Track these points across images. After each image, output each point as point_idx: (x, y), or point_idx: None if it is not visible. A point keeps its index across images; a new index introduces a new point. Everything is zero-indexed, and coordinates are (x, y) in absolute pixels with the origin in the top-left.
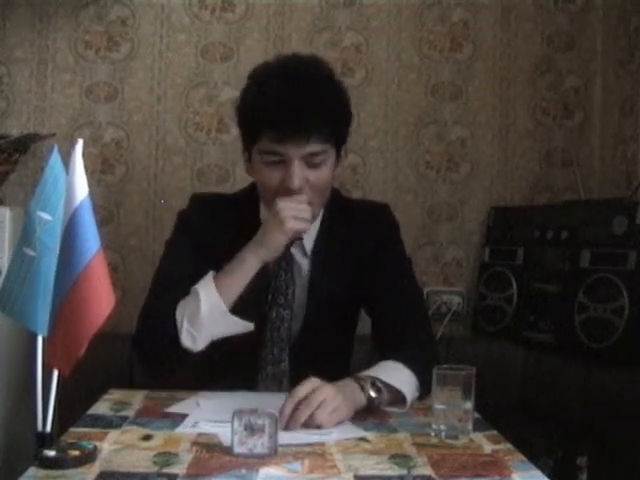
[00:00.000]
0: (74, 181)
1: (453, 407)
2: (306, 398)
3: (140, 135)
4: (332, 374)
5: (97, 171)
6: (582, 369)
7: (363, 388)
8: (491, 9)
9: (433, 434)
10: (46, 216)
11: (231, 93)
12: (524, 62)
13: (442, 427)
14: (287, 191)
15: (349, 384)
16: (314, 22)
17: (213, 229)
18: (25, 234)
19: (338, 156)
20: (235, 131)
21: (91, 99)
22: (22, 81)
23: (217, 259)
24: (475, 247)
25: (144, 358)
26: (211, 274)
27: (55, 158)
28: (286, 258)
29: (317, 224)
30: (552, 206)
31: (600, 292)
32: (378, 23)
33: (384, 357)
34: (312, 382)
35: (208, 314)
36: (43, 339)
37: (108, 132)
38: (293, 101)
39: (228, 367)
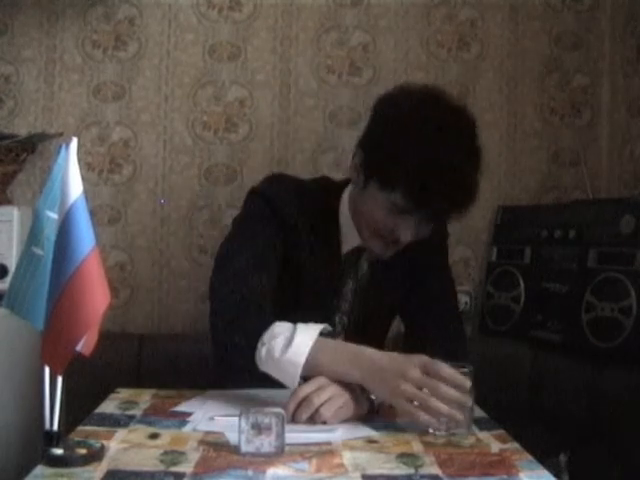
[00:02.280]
0: (69, 179)
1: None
2: (311, 395)
3: (148, 134)
4: None
5: (105, 170)
6: (590, 368)
7: (364, 390)
8: (499, 8)
9: (431, 431)
10: (54, 215)
11: (239, 92)
12: (532, 61)
13: (442, 423)
14: (393, 239)
15: (352, 386)
16: (321, 21)
17: (292, 213)
18: (33, 233)
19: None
20: (242, 131)
21: (99, 98)
22: (30, 81)
23: (291, 245)
24: (482, 246)
25: (216, 344)
26: (318, 330)
27: (63, 157)
28: (356, 266)
29: None
30: (560, 205)
31: (608, 291)
32: (385, 22)
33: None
34: (318, 380)
35: (283, 366)
36: None
37: (116, 131)
38: (445, 173)
39: None
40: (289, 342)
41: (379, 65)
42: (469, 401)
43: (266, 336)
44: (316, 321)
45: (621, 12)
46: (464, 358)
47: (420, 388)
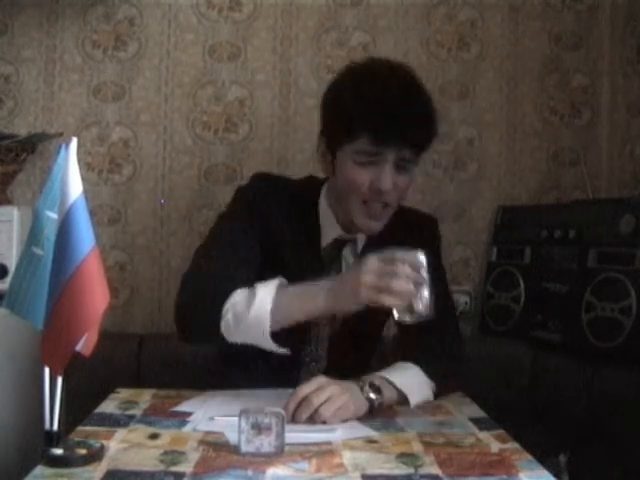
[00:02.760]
0: (68, 179)
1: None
2: (311, 395)
3: (148, 134)
4: (360, 371)
5: (105, 170)
6: (590, 368)
7: (362, 389)
8: (498, 8)
9: (397, 316)
10: (54, 215)
11: (239, 92)
12: (531, 61)
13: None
14: (376, 192)
15: (351, 385)
16: (321, 21)
17: (272, 209)
18: (33, 233)
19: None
20: (242, 131)
21: (99, 98)
22: (30, 81)
23: (270, 240)
24: (482, 246)
25: (180, 319)
26: (277, 282)
27: (63, 157)
28: (338, 260)
29: None
30: (560, 205)
31: (608, 291)
32: (385, 22)
33: (404, 359)
34: (318, 380)
35: (252, 322)
36: None
37: (116, 131)
38: (396, 104)
39: (268, 360)
40: (251, 299)
41: None
42: (426, 279)
43: (228, 303)
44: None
45: (621, 12)
46: (461, 359)
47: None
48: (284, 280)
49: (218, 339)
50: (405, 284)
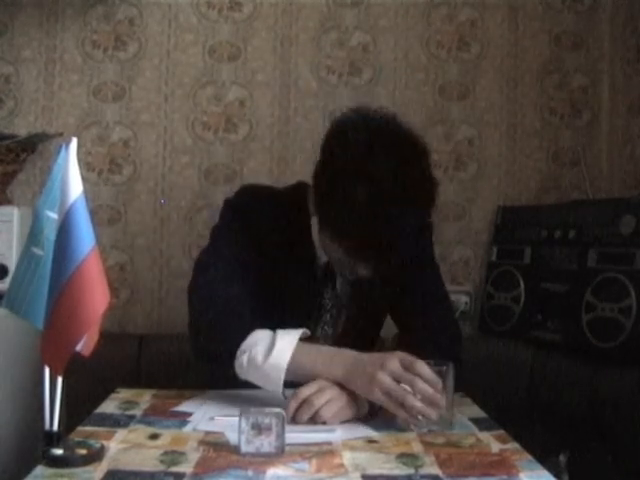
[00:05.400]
0: (68, 179)
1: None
2: (312, 397)
3: (147, 134)
4: None
5: (104, 170)
6: (590, 368)
7: None
8: (498, 8)
9: (412, 427)
10: (54, 215)
11: (238, 92)
12: (532, 61)
13: (421, 419)
14: (352, 273)
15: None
16: (321, 21)
17: (263, 221)
18: (33, 233)
19: None
20: (242, 131)
21: (99, 98)
22: (30, 81)
23: (264, 252)
24: (482, 246)
25: (195, 344)
26: (297, 335)
27: (63, 157)
28: (333, 275)
29: None
30: (560, 205)
31: (608, 291)
32: (385, 23)
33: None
34: (318, 382)
35: (266, 372)
36: None
37: (115, 131)
38: (386, 228)
39: None
40: (270, 348)
41: (379, 65)
42: (442, 400)
43: (246, 344)
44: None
45: (621, 12)
46: (459, 354)
47: (398, 382)
48: (307, 331)
49: (230, 368)
50: (417, 403)
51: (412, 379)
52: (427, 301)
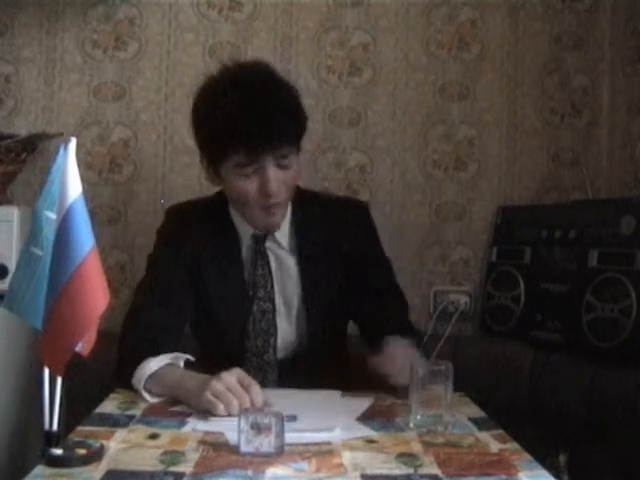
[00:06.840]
0: (67, 179)
1: (432, 400)
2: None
3: (148, 134)
4: (328, 369)
5: (105, 170)
6: (590, 369)
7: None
8: (499, 8)
9: (412, 425)
10: (52, 215)
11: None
12: (532, 61)
13: (419, 419)
14: (265, 195)
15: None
16: (321, 21)
17: (192, 237)
18: (33, 233)
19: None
20: None
21: (99, 98)
22: (30, 80)
23: (199, 265)
24: (483, 247)
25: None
26: (172, 357)
27: (62, 157)
28: (260, 253)
29: (287, 219)
30: (560, 206)
31: (608, 292)
32: (386, 23)
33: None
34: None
35: (137, 378)
36: None
37: (116, 131)
38: (259, 112)
39: (216, 357)
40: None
41: (379, 65)
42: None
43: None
44: (234, 317)
45: (621, 12)
46: (409, 326)
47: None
48: (185, 356)
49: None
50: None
51: (242, 393)
52: (379, 292)
